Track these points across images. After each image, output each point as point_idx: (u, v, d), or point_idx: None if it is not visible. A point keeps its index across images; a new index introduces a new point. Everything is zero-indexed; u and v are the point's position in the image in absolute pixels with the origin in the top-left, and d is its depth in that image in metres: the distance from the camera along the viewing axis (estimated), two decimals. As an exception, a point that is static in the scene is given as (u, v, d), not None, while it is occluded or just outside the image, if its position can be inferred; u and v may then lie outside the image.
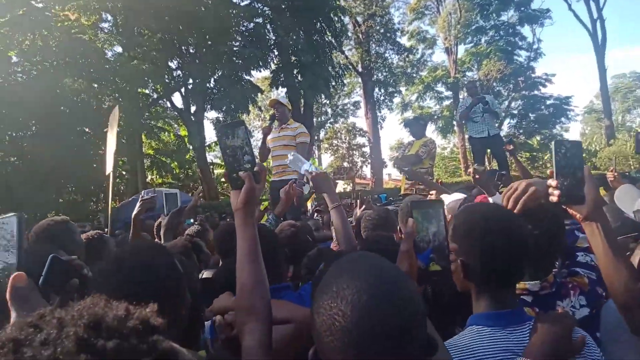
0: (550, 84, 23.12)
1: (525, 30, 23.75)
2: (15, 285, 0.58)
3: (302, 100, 16.74)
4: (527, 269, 1.30)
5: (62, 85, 11.68)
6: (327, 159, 31.29)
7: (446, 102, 25.94)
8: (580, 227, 1.53)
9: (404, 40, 26.86)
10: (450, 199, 2.86)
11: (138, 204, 2.67)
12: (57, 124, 11.49)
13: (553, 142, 1.27)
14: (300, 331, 1.42)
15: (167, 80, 15.80)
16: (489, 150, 7.89)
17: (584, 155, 1.24)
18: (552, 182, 1.22)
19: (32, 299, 0.58)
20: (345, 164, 27.10)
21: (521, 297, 1.43)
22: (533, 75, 23.30)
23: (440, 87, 26.03)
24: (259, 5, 15.73)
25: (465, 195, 3.00)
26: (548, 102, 22.92)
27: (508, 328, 1.16)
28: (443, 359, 0.94)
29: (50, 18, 12.02)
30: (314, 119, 21.65)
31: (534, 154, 22.54)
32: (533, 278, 1.45)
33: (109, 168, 4.30)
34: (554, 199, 1.21)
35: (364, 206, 3.59)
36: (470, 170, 2.55)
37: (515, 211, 1.36)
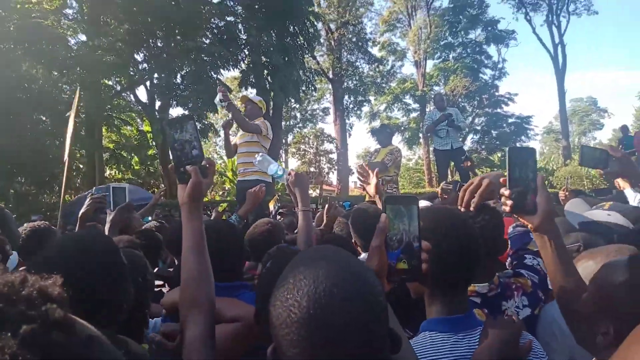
0: (513, 102, 24.00)
1: (491, 50, 24.65)
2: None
3: (272, 103, 16.60)
4: (477, 272, 1.30)
5: (18, 70, 11.10)
6: (294, 164, 31.22)
7: (413, 114, 26.43)
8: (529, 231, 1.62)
9: (375, 51, 27.31)
10: None
11: (87, 202, 2.59)
12: (11, 110, 10.90)
13: (507, 149, 1.23)
14: (248, 329, 1.41)
15: (132, 73, 15.29)
16: (452, 163, 8.06)
17: (541, 173, 1.22)
18: (505, 191, 1.19)
19: None
20: (312, 169, 27.08)
21: (470, 298, 1.43)
22: (497, 93, 24.12)
23: (408, 99, 26.52)
24: (232, 3, 15.52)
25: (429, 204, 3.02)
26: (510, 120, 23.76)
27: (460, 333, 1.16)
28: (407, 357, 0.90)
29: (7, 2, 11.40)
30: (283, 123, 21.53)
31: (495, 169, 23.27)
32: (479, 280, 1.46)
33: (66, 155, 4.10)
34: (506, 208, 1.19)
35: (331, 210, 3.51)
36: (438, 189, 2.60)
37: (472, 206, 1.38)
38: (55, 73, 12.66)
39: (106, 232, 2.37)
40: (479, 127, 24.11)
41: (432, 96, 23.47)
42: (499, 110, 23.98)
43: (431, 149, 24.71)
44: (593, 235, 1.85)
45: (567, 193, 3.92)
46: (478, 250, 1.23)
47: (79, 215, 2.55)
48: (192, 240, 1.22)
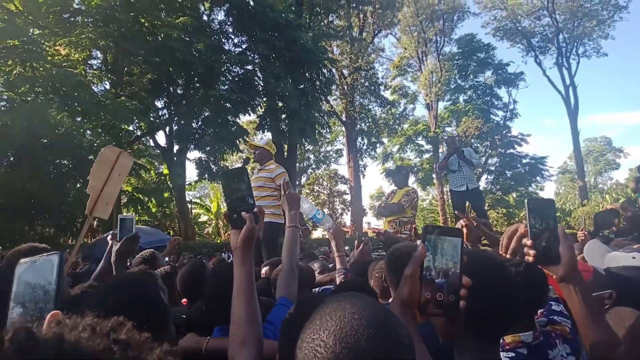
0: (526, 143, 24.08)
1: (502, 92, 25.04)
2: (50, 323, 0.58)
3: (286, 146, 16.94)
4: (515, 321, 1.28)
5: (45, 116, 11.58)
6: (307, 205, 31.24)
7: (426, 155, 26.62)
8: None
9: (387, 94, 27.89)
10: None
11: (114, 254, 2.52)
12: (36, 155, 11.31)
13: (526, 201, 1.21)
14: None
15: (152, 119, 15.85)
16: (468, 203, 8.01)
17: (558, 214, 1.22)
18: (527, 241, 1.17)
19: None
20: (326, 211, 27.09)
21: (517, 350, 1.41)
22: (509, 134, 24.24)
23: (420, 140, 26.79)
24: (250, 53, 16.18)
25: None
26: (524, 160, 23.75)
27: None
28: None
29: (41, 51, 12.08)
30: (297, 164, 21.82)
31: (510, 210, 23.03)
32: (518, 330, 1.43)
33: (106, 213, 4.17)
34: (529, 259, 1.17)
35: (361, 246, 3.39)
36: (461, 222, 2.60)
37: (510, 252, 1.32)
38: (79, 119, 13.15)
39: (112, 262, 2.39)
40: (492, 168, 24.12)
41: (444, 137, 23.73)
42: (512, 150, 24.03)
43: (446, 189, 24.73)
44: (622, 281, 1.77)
45: (585, 233, 3.88)
46: (514, 299, 1.21)
47: (113, 261, 2.50)
48: (244, 284, 1.30)
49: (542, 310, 1.71)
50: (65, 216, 12.74)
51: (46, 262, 0.70)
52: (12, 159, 11.97)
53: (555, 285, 1.78)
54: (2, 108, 11.81)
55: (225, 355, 1.41)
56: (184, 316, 2.24)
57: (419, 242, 0.97)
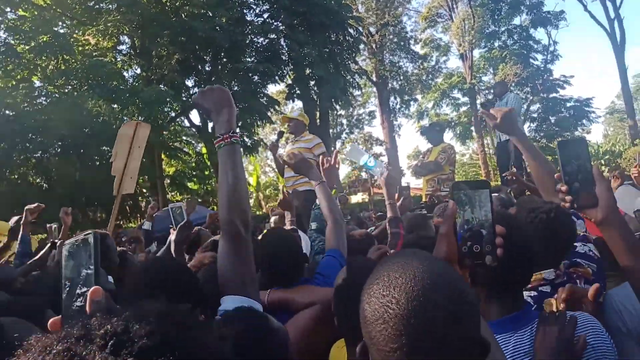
0: (570, 86, 22.67)
1: (540, 33, 23.54)
2: (93, 299, 0.62)
3: (318, 112, 16.82)
4: (541, 267, 1.34)
5: (84, 107, 11.99)
6: (344, 170, 31.26)
7: (463, 108, 25.73)
8: (573, 212, 1.65)
9: (418, 48, 26.90)
10: None
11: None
12: (80, 145, 11.78)
13: (557, 144, 1.18)
14: (327, 311, 1.48)
15: (184, 99, 16.10)
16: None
17: (607, 156, 1.15)
18: (563, 187, 1.15)
19: (109, 310, 0.60)
20: (363, 175, 27.01)
21: (539, 288, 1.45)
22: (551, 77, 22.95)
23: (456, 94, 25.85)
24: (273, 22, 15.94)
25: (496, 195, 2.94)
26: (568, 104, 22.46)
27: (520, 330, 1.18)
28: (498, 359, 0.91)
29: (71, 43, 12.40)
30: (330, 130, 21.70)
31: (556, 157, 21.93)
32: (543, 267, 1.48)
33: (131, 188, 4.31)
34: (566, 204, 1.15)
35: (401, 200, 3.29)
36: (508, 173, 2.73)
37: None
38: (115, 106, 13.55)
39: (173, 252, 2.48)
40: (535, 115, 23.03)
41: (481, 88, 22.80)
42: (555, 95, 22.79)
43: (487, 142, 23.99)
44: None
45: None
46: (532, 250, 1.24)
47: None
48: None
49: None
50: (112, 201, 13.32)
51: (84, 242, 0.74)
52: (59, 150, 12.52)
53: (590, 225, 1.82)
54: (43, 102, 12.31)
55: (285, 306, 1.46)
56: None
57: (450, 200, 0.98)
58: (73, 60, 12.42)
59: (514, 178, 3.44)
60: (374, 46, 24.91)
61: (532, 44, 23.46)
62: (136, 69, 16.65)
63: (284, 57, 15.74)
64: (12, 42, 11.85)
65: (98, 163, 13.04)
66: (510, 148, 6.90)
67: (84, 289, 0.71)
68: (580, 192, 1.12)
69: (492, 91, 22.09)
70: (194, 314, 0.55)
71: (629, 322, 1.39)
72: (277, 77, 15.78)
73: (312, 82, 15.91)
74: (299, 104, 16.65)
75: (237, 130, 1.43)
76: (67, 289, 0.73)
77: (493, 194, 3.01)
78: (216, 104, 1.46)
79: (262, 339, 1.11)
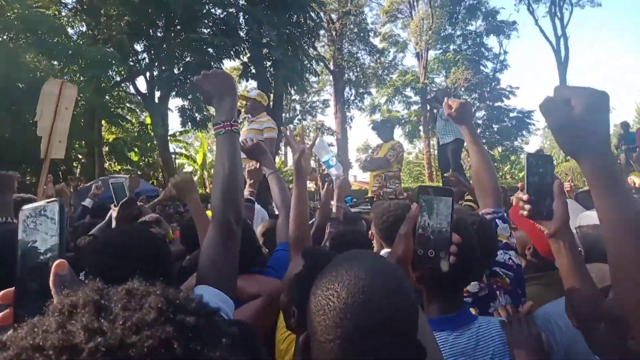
0: (514, 96, 23.88)
1: (492, 42, 24.51)
2: (57, 273, 0.59)
3: (272, 95, 16.53)
4: (472, 273, 1.37)
5: (20, 60, 11.02)
6: (289, 158, 31.17)
7: (414, 107, 26.35)
8: (502, 215, 1.75)
9: (377, 42, 27.13)
10: None
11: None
12: (13, 100, 10.85)
13: (525, 156, 1.23)
14: (272, 302, 1.54)
15: (131, 64, 15.21)
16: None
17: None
18: (523, 196, 1.19)
19: (72, 284, 0.57)
20: (312, 162, 27.06)
21: (464, 299, 1.48)
22: (498, 86, 24.01)
23: (409, 92, 26.42)
24: (233, -6, 15.39)
25: None
26: (511, 114, 23.68)
27: (458, 330, 1.23)
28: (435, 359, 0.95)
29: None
30: (283, 115, 21.45)
31: (495, 164, 23.19)
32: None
33: (61, 152, 3.97)
34: (524, 213, 1.18)
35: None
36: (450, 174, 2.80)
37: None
38: (56, 63, 12.57)
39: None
40: (480, 121, 24.07)
41: (433, 89, 23.38)
42: (500, 104, 23.89)
43: (433, 142, 24.76)
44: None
45: (572, 184, 3.90)
46: (475, 251, 1.29)
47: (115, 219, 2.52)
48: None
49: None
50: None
51: (47, 209, 0.68)
52: (-11, 105, 11.46)
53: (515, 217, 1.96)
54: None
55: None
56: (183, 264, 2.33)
57: (414, 203, 1.02)
58: (9, 8, 11.32)
59: (454, 179, 3.55)
60: (333, 34, 24.82)
61: (484, 51, 24.45)
62: (82, 26, 15.52)
63: (241, 34, 15.24)
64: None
65: (31, 121, 12.08)
66: (448, 151, 7.13)
67: (44, 259, 0.66)
68: (539, 204, 1.17)
69: (432, 97, 22.91)
70: (202, 309, 0.47)
71: (557, 336, 1.44)
72: (232, 53, 15.28)
73: (269, 63, 15.56)
74: (253, 83, 16.25)
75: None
76: (24, 259, 0.68)
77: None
78: (219, 90, 1.40)
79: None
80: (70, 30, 14.77)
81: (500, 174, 22.46)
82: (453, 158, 7.11)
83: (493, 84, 23.89)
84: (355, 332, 0.72)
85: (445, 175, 4.64)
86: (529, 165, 1.20)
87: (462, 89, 23.02)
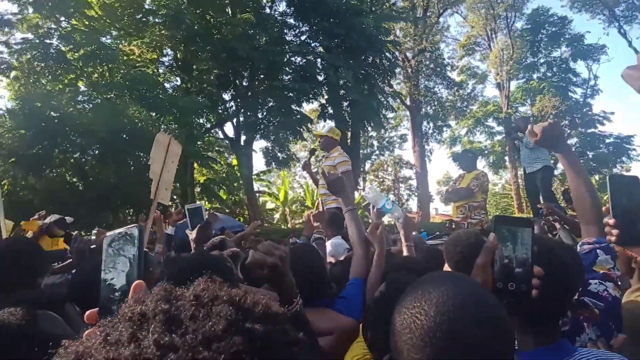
0: (609, 122, 22.02)
1: (580, 67, 23.08)
2: (136, 292, 0.61)
3: (349, 133, 16.88)
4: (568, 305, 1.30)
5: (124, 113, 12.47)
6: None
7: (497, 137, 25.33)
8: (605, 246, 1.60)
9: (454, 75, 26.78)
10: None
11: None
12: (117, 149, 12.20)
13: (608, 178, 1.17)
14: (342, 339, 1.55)
15: (220, 111, 16.52)
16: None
17: None
18: (610, 220, 1.13)
19: None
20: (391, 197, 26.79)
21: None
22: (590, 112, 22.38)
23: (491, 122, 25.51)
24: (311, 41, 16.24)
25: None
26: (607, 140, 21.83)
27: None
28: None
29: (116, 53, 12.98)
30: (360, 151, 21.70)
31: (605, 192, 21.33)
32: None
33: (167, 199, 4.44)
34: (612, 239, 1.13)
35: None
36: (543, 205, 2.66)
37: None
38: (153, 114, 14.01)
39: (193, 249, 2.54)
40: (573, 149, 22.43)
41: (516, 118, 22.36)
42: (594, 130, 22.17)
43: (520, 172, 23.48)
44: None
45: None
46: (571, 282, 1.23)
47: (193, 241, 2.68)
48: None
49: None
50: (145, 205, 13.73)
51: (127, 234, 0.72)
52: (97, 152, 12.99)
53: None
54: (86, 106, 12.88)
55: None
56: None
57: (491, 233, 0.97)
58: (117, 69, 12.98)
59: (550, 210, 3.35)
60: (409, 71, 24.96)
61: (571, 77, 23.11)
62: (176, 81, 17.29)
63: (319, 78, 15.94)
64: (63, 49, 12.47)
65: (133, 167, 13.46)
66: (537, 181, 6.76)
67: (124, 280, 0.70)
68: (629, 229, 1.10)
69: (513, 126, 21.62)
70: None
71: None
72: (311, 96, 15.99)
73: (346, 104, 16.03)
74: (331, 123, 16.80)
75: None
76: (108, 281, 0.72)
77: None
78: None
79: None
80: (166, 85, 16.58)
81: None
82: (543, 187, 6.74)
83: (584, 109, 22.32)
84: (444, 352, 0.68)
85: (538, 206, 4.42)
86: (613, 188, 1.14)
87: (551, 116, 21.74)
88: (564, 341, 1.22)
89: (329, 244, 3.37)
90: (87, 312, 0.69)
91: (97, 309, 0.70)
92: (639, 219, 1.10)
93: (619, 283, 1.60)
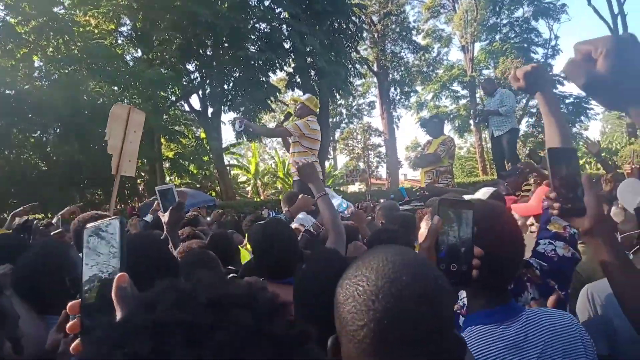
0: (569, 82, 22.62)
1: (542, 27, 23.49)
2: (119, 286, 0.60)
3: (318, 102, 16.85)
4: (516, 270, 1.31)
5: (84, 88, 11.99)
6: (342, 160, 31.33)
7: (463, 101, 25.77)
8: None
9: (420, 39, 26.78)
10: (480, 194, 2.85)
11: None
12: (79, 126, 11.79)
13: (546, 151, 1.15)
14: None
15: (185, 83, 16.08)
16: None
17: (603, 154, 1.17)
18: (551, 194, 1.12)
19: (133, 296, 0.61)
20: (361, 164, 27.06)
21: None
22: (551, 73, 22.94)
23: (456, 86, 25.88)
24: (275, 6, 15.84)
25: (494, 189, 2.99)
26: (567, 100, 22.54)
27: (505, 323, 1.16)
28: None
29: (71, 26, 12.33)
30: (330, 120, 21.70)
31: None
32: None
33: (131, 171, 4.37)
34: (553, 212, 1.12)
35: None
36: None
37: None
38: (115, 88, 13.52)
39: (167, 234, 2.44)
40: (534, 110, 23.12)
41: (481, 81, 22.72)
42: (554, 90, 22.75)
43: (484, 135, 24.06)
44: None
45: (634, 167, 3.71)
46: (523, 246, 1.25)
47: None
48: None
49: None
50: (112, 182, 13.41)
51: (109, 226, 0.71)
52: (58, 130, 12.52)
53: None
54: (43, 82, 12.30)
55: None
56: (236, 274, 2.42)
57: (435, 216, 1.00)
58: (72, 42, 12.38)
59: (528, 170, 3.50)
60: (375, 35, 24.79)
61: (533, 38, 23.50)
62: (136, 52, 16.63)
63: (286, 45, 15.67)
64: (11, 20, 11.76)
65: (97, 144, 13.08)
66: (504, 142, 6.98)
67: (107, 272, 0.69)
68: (569, 201, 1.11)
69: (480, 89, 22.32)
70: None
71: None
72: (277, 65, 15.74)
73: (313, 72, 15.87)
74: (299, 93, 16.67)
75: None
76: (89, 274, 0.70)
77: (488, 188, 3.03)
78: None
79: None
80: (126, 57, 15.94)
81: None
82: (509, 148, 6.95)
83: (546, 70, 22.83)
84: (388, 313, 0.68)
85: (518, 165, 4.51)
86: (552, 161, 1.12)
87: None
88: (512, 302, 1.23)
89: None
90: (69, 305, 0.69)
91: (79, 301, 0.69)
92: (579, 189, 1.10)
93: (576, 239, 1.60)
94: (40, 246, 1.72)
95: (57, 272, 1.41)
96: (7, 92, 11.16)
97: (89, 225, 0.72)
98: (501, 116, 6.87)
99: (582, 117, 22.51)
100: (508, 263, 1.21)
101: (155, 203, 5.00)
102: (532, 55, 23.10)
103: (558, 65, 25.29)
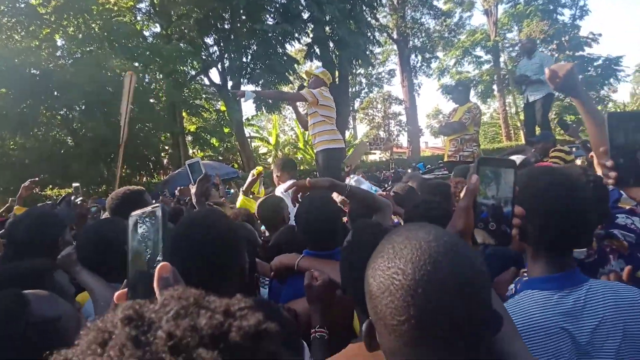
0: (597, 44, 21.77)
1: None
2: (161, 275, 0.59)
3: (337, 72, 16.64)
4: (586, 236, 1.25)
5: (106, 66, 12.12)
6: (363, 129, 31.12)
7: (485, 66, 25.09)
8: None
9: (441, 4, 26.00)
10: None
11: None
12: (103, 102, 12.00)
13: (606, 115, 1.07)
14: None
15: (204, 57, 16.09)
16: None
17: None
18: (607, 162, 1.06)
19: (175, 285, 0.59)
20: (382, 133, 26.87)
21: None
22: (578, 35, 22.05)
23: (479, 51, 25.15)
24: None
25: (523, 157, 2.97)
26: (596, 63, 21.70)
27: (564, 290, 1.12)
28: (509, 330, 0.88)
29: (90, 3, 12.38)
30: (350, 89, 21.48)
31: (580, 117, 21.51)
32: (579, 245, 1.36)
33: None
34: (609, 181, 1.06)
35: None
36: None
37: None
38: (137, 64, 13.63)
39: (195, 204, 2.52)
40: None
41: (505, 45, 22.03)
42: (582, 53, 21.96)
43: (509, 101, 23.51)
44: None
45: None
46: (587, 213, 1.17)
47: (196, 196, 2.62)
48: None
49: (603, 223, 1.64)
50: (137, 157, 13.73)
51: (151, 215, 0.70)
52: (83, 108, 12.78)
53: None
54: (67, 61, 12.50)
55: None
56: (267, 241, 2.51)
57: (473, 175, 0.95)
58: (93, 20, 12.48)
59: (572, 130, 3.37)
60: (395, 2, 24.13)
61: (559, -1, 22.50)
62: (155, 28, 16.66)
63: (304, 16, 15.43)
64: (33, 2, 11.90)
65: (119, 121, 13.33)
66: (538, 107, 6.80)
67: (151, 261, 0.68)
68: (627, 170, 1.04)
69: (517, 49, 21.55)
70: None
71: None
72: (296, 36, 15.57)
73: (332, 44, 15.66)
74: (318, 64, 16.49)
75: None
76: (134, 263, 0.70)
77: (518, 156, 3.02)
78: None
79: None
80: (146, 33, 16.00)
81: (584, 127, 20.78)
82: (543, 114, 6.77)
83: (573, 32, 21.95)
84: (429, 306, 0.67)
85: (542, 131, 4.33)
86: (611, 127, 1.05)
87: (539, 41, 21.43)
88: (575, 271, 1.17)
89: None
90: (116, 294, 0.69)
91: (126, 289, 0.68)
92: (637, 159, 1.03)
93: None
94: (97, 224, 1.92)
95: (115, 246, 1.57)
96: (33, 71, 11.38)
97: (133, 213, 0.71)
98: (539, 82, 6.67)
99: (612, 79, 21.68)
100: (576, 228, 1.15)
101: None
102: (559, 17, 22.22)
103: (585, 27, 24.24)
